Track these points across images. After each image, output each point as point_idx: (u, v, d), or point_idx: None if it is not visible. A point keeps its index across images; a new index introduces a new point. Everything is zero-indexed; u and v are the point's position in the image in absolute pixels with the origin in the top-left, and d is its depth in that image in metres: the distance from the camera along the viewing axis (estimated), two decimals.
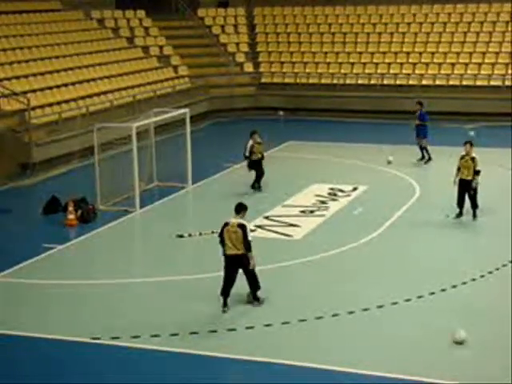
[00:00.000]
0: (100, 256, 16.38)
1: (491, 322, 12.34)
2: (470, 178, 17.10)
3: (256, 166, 20.39)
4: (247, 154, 20.25)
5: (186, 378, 10.73)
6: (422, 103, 23.44)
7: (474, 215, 17.27)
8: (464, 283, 13.76)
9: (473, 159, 17.16)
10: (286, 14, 34.86)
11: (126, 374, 10.88)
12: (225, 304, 12.77)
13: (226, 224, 12.80)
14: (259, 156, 20.31)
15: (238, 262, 12.74)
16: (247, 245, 12.62)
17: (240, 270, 12.89)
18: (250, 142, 20.24)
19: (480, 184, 17.29)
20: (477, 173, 17.10)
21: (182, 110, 21.19)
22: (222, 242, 12.81)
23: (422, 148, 22.93)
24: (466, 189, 17.18)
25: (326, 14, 34.30)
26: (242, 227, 12.66)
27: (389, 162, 22.71)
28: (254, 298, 12.99)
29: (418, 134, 22.98)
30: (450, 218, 17.35)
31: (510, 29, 31.48)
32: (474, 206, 17.29)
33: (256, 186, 20.38)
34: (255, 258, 12.81)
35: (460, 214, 17.32)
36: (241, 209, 12.98)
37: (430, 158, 22.84)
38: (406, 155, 23.33)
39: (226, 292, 12.78)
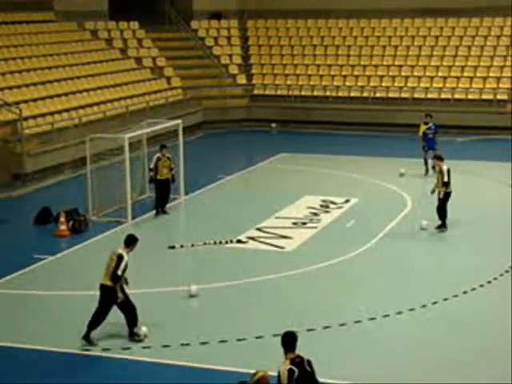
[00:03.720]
0: (91, 267, 16.27)
1: (482, 335, 12.35)
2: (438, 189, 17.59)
3: (160, 186, 18.90)
4: (152, 166, 18.89)
5: None
6: (432, 115, 23.41)
7: (440, 226, 17.43)
8: (455, 296, 13.78)
9: (440, 172, 17.52)
10: (279, 26, 34.99)
11: None
12: (87, 337, 11.94)
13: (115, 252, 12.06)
14: (164, 176, 18.84)
15: (111, 295, 11.99)
16: (115, 275, 11.84)
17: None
18: (158, 155, 18.91)
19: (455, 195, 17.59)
20: (443, 184, 17.34)
21: (175, 122, 21.21)
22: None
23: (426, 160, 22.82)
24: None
25: (319, 26, 34.44)
26: (118, 257, 11.91)
27: (401, 175, 22.68)
28: (130, 334, 12.06)
29: (429, 146, 22.60)
30: (436, 230, 17.46)
31: (501, 43, 31.67)
32: (440, 216, 17.44)
33: (159, 209, 18.97)
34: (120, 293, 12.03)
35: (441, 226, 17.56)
36: (131, 241, 12.23)
37: (427, 170, 22.84)
38: (395, 168, 23.36)
39: (94, 325, 12.01)
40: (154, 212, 19.21)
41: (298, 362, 8.48)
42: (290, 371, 8.38)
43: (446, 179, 17.36)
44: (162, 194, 19.13)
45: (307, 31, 34.41)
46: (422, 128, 23.17)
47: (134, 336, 12.10)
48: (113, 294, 11.95)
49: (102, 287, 12.09)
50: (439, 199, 17.52)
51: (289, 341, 8.55)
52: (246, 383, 8.43)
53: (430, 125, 23.09)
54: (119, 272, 11.88)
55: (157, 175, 18.98)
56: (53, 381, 10.98)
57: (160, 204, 19.19)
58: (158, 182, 19.05)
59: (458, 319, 12.94)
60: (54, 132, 23.88)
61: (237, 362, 11.32)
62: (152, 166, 19.04)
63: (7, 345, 12.07)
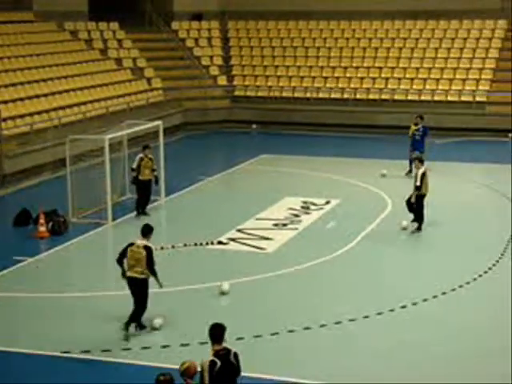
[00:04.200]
0: (71, 269, 16.25)
1: (462, 336, 12.42)
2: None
3: (142, 187, 18.77)
4: (134, 166, 18.74)
5: None
6: (423, 117, 23.47)
7: (417, 228, 17.62)
8: (435, 297, 13.85)
9: (415, 175, 17.76)
10: (260, 27, 35.02)
11: None
12: (127, 328, 12.18)
13: (131, 244, 12.28)
14: (146, 177, 18.74)
15: (134, 285, 12.25)
16: (151, 268, 12.14)
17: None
18: (140, 155, 18.80)
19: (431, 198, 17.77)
20: (416, 188, 17.52)
21: (155, 123, 21.14)
22: (119, 261, 12.28)
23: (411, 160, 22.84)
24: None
25: (300, 28, 34.50)
26: (148, 249, 12.16)
27: (383, 176, 22.77)
28: (126, 326, 12.16)
29: (415, 147, 22.53)
30: (413, 232, 17.58)
31: (480, 45, 31.90)
32: (417, 219, 17.63)
33: (140, 210, 18.85)
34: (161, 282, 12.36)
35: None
36: (147, 231, 12.42)
37: (410, 171, 22.93)
38: (375, 169, 23.45)
39: (139, 315, 12.29)
40: (134, 213, 19.13)
41: (223, 354, 8.59)
42: (212, 363, 8.52)
43: (418, 183, 17.47)
44: (144, 194, 19.05)
45: (288, 33, 34.46)
46: (412, 129, 23.22)
47: (126, 329, 12.15)
48: (145, 285, 12.20)
49: (134, 280, 12.21)
50: (411, 202, 17.60)
51: (216, 333, 8.66)
52: (168, 375, 8.49)
53: (419, 126, 23.10)
54: (155, 262, 12.19)
55: (139, 176, 18.90)
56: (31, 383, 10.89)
57: (141, 205, 19.12)
58: (139, 183, 18.95)
59: (438, 319, 13.00)
60: (34, 133, 23.70)
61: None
62: (134, 166, 18.91)
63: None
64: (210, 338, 8.67)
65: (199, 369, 8.62)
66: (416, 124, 23.17)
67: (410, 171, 22.65)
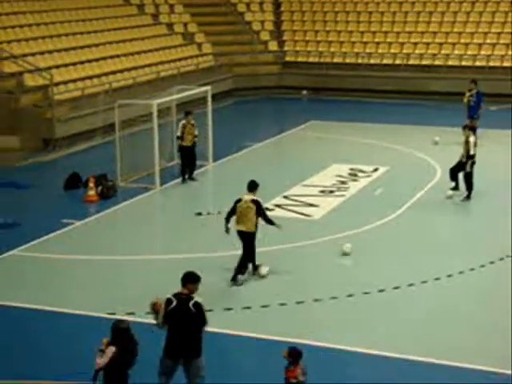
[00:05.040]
0: (118, 232, 16.47)
1: (504, 307, 12.24)
2: (464, 160, 17.37)
3: (186, 153, 18.82)
4: (179, 133, 18.81)
5: None
6: (476, 82, 22.95)
7: (467, 196, 17.38)
8: (482, 266, 13.65)
9: (466, 142, 17.32)
10: None
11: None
12: (255, 268, 13.17)
13: (239, 200, 13.00)
14: (189, 143, 18.80)
15: (241, 238, 13.00)
16: (267, 219, 12.93)
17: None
18: (183, 122, 18.86)
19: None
20: (469, 157, 17.18)
21: (204, 88, 21.15)
22: (227, 218, 13.08)
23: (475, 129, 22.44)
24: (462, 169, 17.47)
25: None
26: (257, 203, 12.87)
27: (435, 143, 22.44)
28: (234, 276, 12.89)
29: (471, 115, 22.10)
30: (456, 199, 17.35)
31: None
32: (467, 187, 17.38)
33: (186, 177, 18.90)
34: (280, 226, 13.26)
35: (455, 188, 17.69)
36: (254, 186, 13.10)
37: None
38: (426, 137, 23.10)
39: (252, 260, 13.16)
40: (180, 179, 19.22)
41: (183, 298, 8.92)
42: (167, 300, 8.94)
43: (472, 152, 17.11)
44: (188, 160, 19.11)
45: None
46: (466, 95, 22.69)
47: (236, 280, 12.88)
48: (252, 238, 12.92)
49: (245, 233, 12.93)
50: (465, 171, 17.30)
51: (183, 278, 9.02)
52: (125, 322, 8.57)
53: (473, 92, 22.55)
54: (268, 214, 13.04)
55: (182, 142, 18.96)
56: (79, 343, 11.11)
57: (187, 171, 19.19)
58: (183, 149, 19.02)
59: (484, 290, 12.83)
60: (85, 98, 23.95)
61: (263, 329, 11.42)
62: (179, 133, 18.99)
63: (35, 307, 12.23)
64: (181, 281, 9.02)
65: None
66: (470, 90, 22.66)
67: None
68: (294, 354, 8.72)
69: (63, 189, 18.60)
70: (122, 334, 8.42)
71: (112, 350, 8.27)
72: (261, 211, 12.90)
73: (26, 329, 11.69)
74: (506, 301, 12.34)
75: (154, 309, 9.05)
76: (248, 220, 12.87)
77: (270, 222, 13.09)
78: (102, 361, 8.28)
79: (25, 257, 14.50)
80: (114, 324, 8.58)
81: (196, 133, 19.18)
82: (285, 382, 8.68)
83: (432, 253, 14.51)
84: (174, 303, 8.88)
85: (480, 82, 23.55)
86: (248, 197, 12.98)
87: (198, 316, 8.88)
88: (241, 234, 13.04)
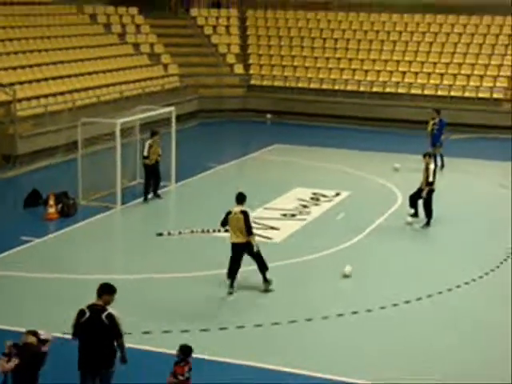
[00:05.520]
0: (78, 251, 16.31)
1: (476, 328, 12.38)
2: (423, 187, 17.62)
3: (151, 172, 18.99)
4: (146, 153, 18.90)
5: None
6: (439, 111, 23.38)
7: (426, 223, 17.60)
8: (440, 293, 13.80)
9: (426, 169, 17.58)
10: (279, 17, 34.88)
11: None
12: (231, 285, 13.43)
13: (229, 213, 13.37)
14: (154, 161, 18.95)
15: (242, 249, 13.38)
16: (249, 229, 13.22)
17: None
18: (149, 141, 18.99)
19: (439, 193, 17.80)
20: (428, 184, 17.45)
21: (168, 109, 21.15)
22: (223, 224, 13.61)
23: (441, 155, 22.82)
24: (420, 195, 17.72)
25: (318, 18, 34.34)
26: (244, 213, 13.24)
27: (396, 170, 22.72)
28: (264, 280, 13.56)
29: (434, 142, 22.68)
30: (416, 226, 17.59)
31: (499, 42, 31.62)
32: (426, 214, 17.61)
33: (149, 197, 18.99)
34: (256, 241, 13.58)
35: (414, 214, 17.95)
36: (242, 198, 13.52)
37: (443, 165, 22.88)
38: (388, 163, 23.38)
39: (232, 274, 13.44)
40: (142, 199, 19.14)
41: (96, 309, 9.03)
42: (80, 312, 9.09)
43: (431, 179, 17.41)
44: (152, 179, 19.14)
45: (306, 23, 34.33)
46: (430, 123, 23.13)
47: (267, 281, 13.51)
48: (248, 247, 13.32)
49: (237, 245, 13.37)
50: (423, 197, 17.55)
51: (102, 289, 9.15)
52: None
53: (436, 120, 23.04)
54: (251, 223, 13.40)
55: (148, 161, 19.00)
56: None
57: (151, 189, 19.19)
58: (148, 168, 19.04)
59: (448, 314, 12.97)
60: (48, 115, 23.79)
61: (237, 353, 11.40)
62: (146, 153, 19.02)
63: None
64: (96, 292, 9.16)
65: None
66: (433, 118, 23.11)
67: (443, 166, 22.64)
68: (185, 350, 9.01)
69: (23, 206, 18.40)
70: (25, 347, 8.58)
71: (15, 361, 8.44)
72: (248, 221, 13.23)
73: None
74: (462, 327, 12.49)
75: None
76: (238, 230, 13.26)
77: (250, 233, 13.33)
78: (8, 366, 8.44)
79: None
80: (23, 336, 8.74)
81: (160, 152, 19.22)
82: (171, 377, 8.97)
83: (391, 278, 14.62)
84: (87, 315, 9.00)
85: (443, 111, 23.97)
86: (237, 208, 13.36)
87: (111, 328, 8.93)
88: (236, 245, 13.36)
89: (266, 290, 13.56)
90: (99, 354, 8.99)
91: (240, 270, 13.67)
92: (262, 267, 13.59)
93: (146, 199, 19.10)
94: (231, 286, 13.47)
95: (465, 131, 28.33)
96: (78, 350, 9.12)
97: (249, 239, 13.32)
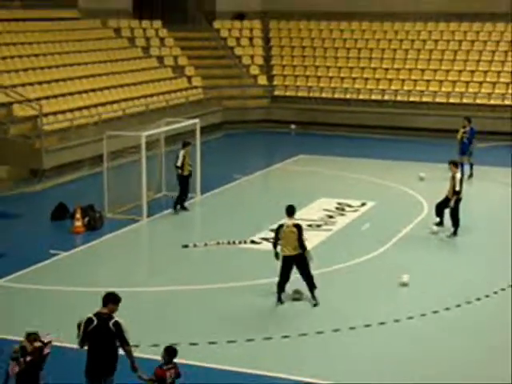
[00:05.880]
0: (105, 264, 16.41)
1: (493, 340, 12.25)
2: (450, 196, 17.50)
3: (185, 183, 19.25)
4: (179, 164, 19.09)
5: None
6: (471, 119, 23.27)
7: (453, 232, 17.46)
8: (468, 302, 13.67)
9: (453, 178, 17.45)
10: (302, 27, 34.94)
11: None
12: (279, 298, 13.37)
13: (281, 226, 13.29)
14: (188, 173, 19.26)
15: (294, 262, 13.33)
16: (302, 243, 13.19)
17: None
18: (182, 152, 19.23)
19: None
20: (455, 193, 17.29)
21: (193, 121, 21.24)
22: (275, 245, 13.41)
23: (471, 164, 22.72)
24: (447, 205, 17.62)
25: (342, 28, 34.35)
26: (298, 227, 13.22)
27: (421, 179, 22.58)
28: (313, 298, 13.53)
29: (463, 151, 22.60)
30: (442, 235, 17.45)
31: None
32: (453, 223, 17.46)
33: (178, 207, 19.19)
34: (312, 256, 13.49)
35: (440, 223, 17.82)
36: (292, 210, 13.44)
37: (471, 175, 22.75)
38: (413, 172, 23.26)
39: (281, 287, 13.39)
40: (172, 209, 19.26)
41: (103, 317, 9.28)
42: (88, 320, 9.31)
43: (457, 188, 17.27)
44: (185, 190, 19.31)
45: (330, 33, 34.34)
46: (460, 132, 23.01)
47: (315, 299, 13.46)
48: (303, 259, 13.29)
49: (289, 258, 13.29)
50: (450, 207, 17.42)
51: (104, 299, 9.42)
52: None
53: (467, 129, 22.91)
54: (306, 238, 13.43)
55: (183, 172, 19.20)
56: (61, 377, 11.00)
57: (181, 200, 19.30)
58: (182, 179, 19.23)
59: (472, 325, 12.83)
60: (73, 129, 24.01)
61: (251, 363, 11.36)
62: (179, 163, 19.16)
63: (19, 339, 12.07)
64: (102, 301, 9.42)
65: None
66: (464, 127, 23.00)
67: (471, 175, 22.50)
68: (170, 352, 9.17)
69: (50, 219, 18.55)
70: (33, 351, 8.95)
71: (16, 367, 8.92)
72: (301, 236, 13.21)
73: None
74: (493, 337, 12.35)
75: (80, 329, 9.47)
76: (291, 244, 13.20)
77: (303, 248, 13.31)
78: (16, 369, 8.83)
79: (10, 287, 14.40)
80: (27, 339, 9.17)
81: (190, 162, 19.49)
82: (153, 378, 9.04)
83: (418, 288, 14.51)
84: (95, 322, 9.21)
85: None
86: (290, 221, 13.32)
87: (117, 335, 9.18)
88: (288, 258, 13.28)
89: (315, 305, 13.46)
90: (105, 361, 9.24)
91: (269, 280, 13.62)
92: (311, 285, 13.50)
93: (175, 210, 19.20)
94: (279, 298, 13.42)
95: (491, 139, 28.09)
96: (87, 358, 9.36)
97: (300, 252, 13.26)
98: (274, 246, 13.50)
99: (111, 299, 9.35)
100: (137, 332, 12.24)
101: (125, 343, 9.23)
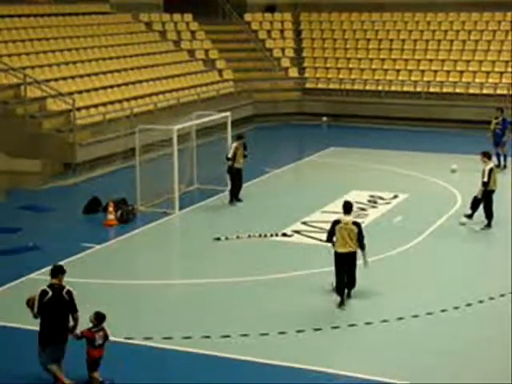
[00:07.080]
0: (137, 257, 16.52)
1: None
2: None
3: (237, 175, 19.43)
4: (230, 155, 19.31)
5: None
6: (503, 110, 23.02)
7: (487, 225, 17.24)
8: (502, 295, 13.52)
9: (483, 171, 17.26)
10: (333, 19, 34.76)
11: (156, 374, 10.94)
12: (342, 302, 13.01)
13: (338, 222, 12.94)
14: (241, 165, 19.44)
15: (348, 259, 12.97)
16: (362, 242, 12.90)
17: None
18: (235, 144, 19.46)
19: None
20: (482, 184, 17.10)
21: (224, 114, 21.25)
22: (330, 240, 13.06)
23: (505, 155, 22.48)
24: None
25: (373, 20, 34.10)
26: (358, 225, 12.92)
27: (453, 171, 22.39)
28: (348, 295, 13.19)
29: (496, 142, 22.41)
30: (483, 228, 17.21)
31: None
32: (486, 216, 17.23)
33: (234, 200, 19.41)
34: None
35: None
36: (350, 206, 13.08)
37: (505, 166, 22.52)
38: (446, 164, 23.03)
39: (341, 289, 13.02)
40: (228, 200, 19.46)
41: (56, 287, 10.04)
42: (42, 292, 10.02)
43: (485, 179, 17.06)
44: (238, 182, 19.50)
45: (361, 24, 34.11)
46: (492, 123, 22.78)
47: (342, 304, 12.95)
48: (355, 258, 13.00)
49: (343, 255, 12.91)
50: (477, 197, 17.25)
51: (56, 270, 10.23)
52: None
53: (499, 119, 22.70)
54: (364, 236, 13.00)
55: (234, 164, 19.30)
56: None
57: (235, 192, 19.46)
58: (235, 171, 19.35)
59: (504, 318, 12.69)
60: (106, 123, 24.17)
61: (277, 355, 11.35)
62: (230, 155, 19.32)
63: None
64: (50, 274, 10.22)
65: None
66: (496, 117, 22.75)
67: (499, 165, 22.20)
68: (99, 316, 10.18)
69: (83, 213, 18.71)
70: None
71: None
72: (362, 234, 12.93)
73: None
74: None
75: (29, 304, 10.18)
76: (347, 241, 12.86)
77: (363, 247, 13.02)
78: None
79: (44, 280, 14.50)
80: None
81: (246, 153, 19.69)
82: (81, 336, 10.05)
83: (452, 280, 14.39)
84: (50, 293, 9.94)
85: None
86: (348, 218, 13.00)
87: (70, 303, 10.05)
88: (345, 255, 12.91)
89: (341, 304, 13.01)
90: (60, 329, 10.02)
91: (315, 271, 13.51)
92: (352, 283, 13.14)
93: (231, 201, 19.41)
94: (342, 302, 13.00)
95: None
96: (41, 328, 10.02)
97: (354, 250, 12.96)
98: (331, 242, 13.11)
99: (60, 270, 10.15)
100: (170, 323, 12.34)
101: (74, 310, 10.08)
